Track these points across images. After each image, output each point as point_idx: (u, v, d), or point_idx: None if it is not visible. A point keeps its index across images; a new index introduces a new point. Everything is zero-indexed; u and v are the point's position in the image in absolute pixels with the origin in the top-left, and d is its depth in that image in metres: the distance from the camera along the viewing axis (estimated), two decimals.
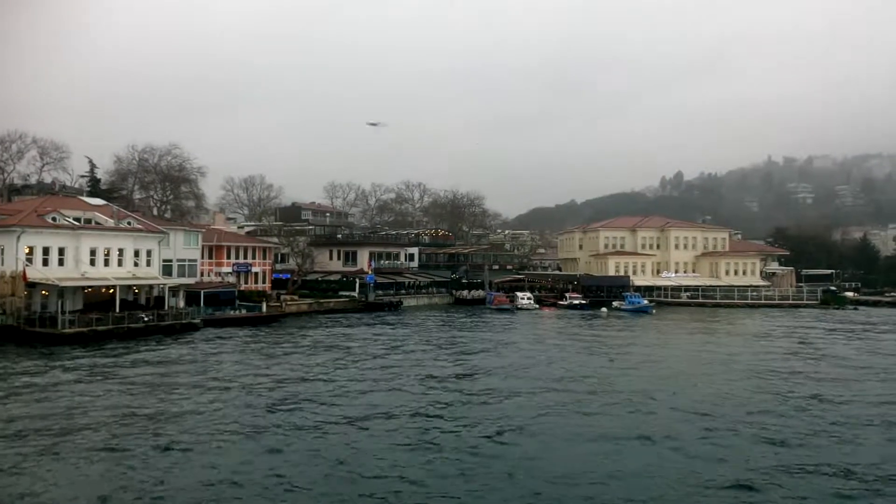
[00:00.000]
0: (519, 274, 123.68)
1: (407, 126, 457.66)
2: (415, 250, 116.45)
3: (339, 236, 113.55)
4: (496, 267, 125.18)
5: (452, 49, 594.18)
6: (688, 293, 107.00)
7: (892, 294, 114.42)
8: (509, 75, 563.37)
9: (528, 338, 61.45)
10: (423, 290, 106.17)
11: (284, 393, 34.71)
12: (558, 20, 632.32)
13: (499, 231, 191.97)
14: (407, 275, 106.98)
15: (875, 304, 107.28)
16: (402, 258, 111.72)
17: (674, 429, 27.61)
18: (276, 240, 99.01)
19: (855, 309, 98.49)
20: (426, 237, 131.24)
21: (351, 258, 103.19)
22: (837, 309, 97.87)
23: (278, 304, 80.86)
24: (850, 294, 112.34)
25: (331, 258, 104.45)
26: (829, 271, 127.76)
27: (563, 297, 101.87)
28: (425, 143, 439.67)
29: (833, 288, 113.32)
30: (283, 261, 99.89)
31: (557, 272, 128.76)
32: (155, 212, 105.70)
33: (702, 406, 31.95)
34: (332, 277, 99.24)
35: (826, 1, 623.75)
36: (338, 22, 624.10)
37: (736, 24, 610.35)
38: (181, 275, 74.67)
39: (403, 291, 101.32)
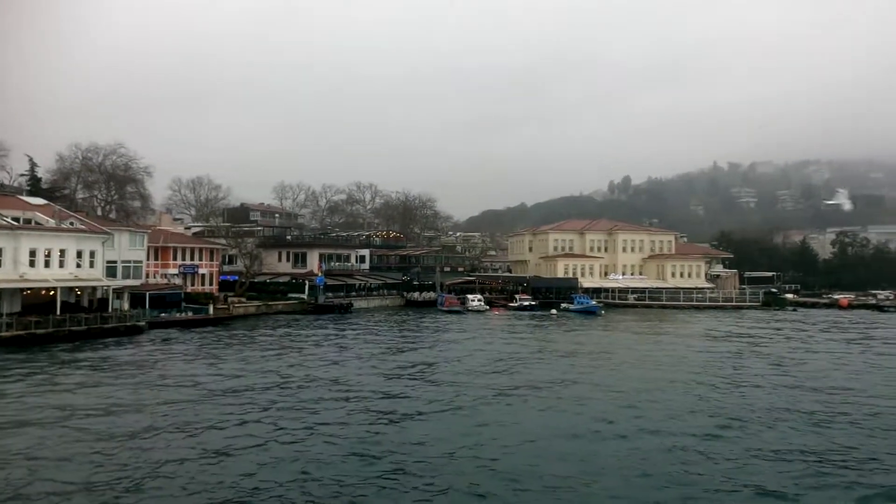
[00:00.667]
0: (470, 276, 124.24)
1: (375, 125, 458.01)
2: (366, 252, 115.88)
3: (289, 238, 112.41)
4: (447, 269, 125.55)
5: (408, 51, 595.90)
6: (635, 295, 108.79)
7: (829, 296, 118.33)
8: (467, 79, 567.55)
9: (480, 340, 61.68)
10: (374, 292, 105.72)
11: (231, 397, 34.21)
12: (522, 28, 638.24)
13: (450, 233, 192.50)
14: (358, 277, 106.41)
15: (813, 305, 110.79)
16: (353, 260, 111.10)
17: (635, 426, 28.16)
18: (223, 241, 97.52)
19: (794, 310, 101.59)
20: (377, 239, 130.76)
21: (300, 260, 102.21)
22: (778, 310, 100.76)
23: (226, 306, 79.70)
24: (790, 296, 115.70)
25: (280, 260, 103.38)
26: (770, 274, 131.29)
27: (513, 299, 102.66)
28: (396, 142, 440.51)
29: (774, 290, 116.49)
30: (230, 262, 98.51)
31: (508, 274, 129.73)
32: (99, 212, 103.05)
33: (658, 405, 32.57)
34: (281, 279, 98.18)
35: (782, 15, 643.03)
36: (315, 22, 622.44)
37: (692, 34, 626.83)
38: (126, 276, 72.97)
39: (354, 293, 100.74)
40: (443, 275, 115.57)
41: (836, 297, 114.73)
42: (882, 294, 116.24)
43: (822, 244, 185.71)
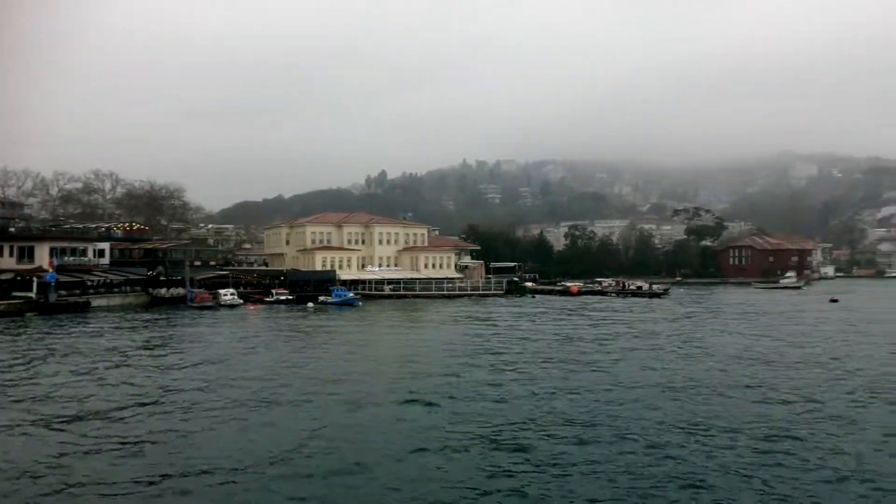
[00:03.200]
0: (223, 270, 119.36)
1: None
2: (105, 245, 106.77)
3: (13, 229, 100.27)
4: (199, 263, 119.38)
5: (165, 29, 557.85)
6: (391, 286, 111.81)
7: (562, 284, 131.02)
8: (218, 65, 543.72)
9: (231, 336, 59.67)
10: (116, 290, 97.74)
11: None
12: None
13: (202, 225, 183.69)
14: (96, 273, 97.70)
15: (549, 292, 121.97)
16: (91, 254, 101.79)
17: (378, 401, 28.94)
18: None
19: (533, 297, 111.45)
20: (119, 231, 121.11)
21: (27, 254, 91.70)
22: (519, 297, 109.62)
23: None
24: (530, 284, 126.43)
25: (2, 255, 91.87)
26: (513, 264, 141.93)
27: (269, 293, 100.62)
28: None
29: (516, 279, 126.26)
30: None
31: (264, 268, 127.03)
32: None
33: (409, 387, 33.82)
34: (4, 276, 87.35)
35: (527, 30, 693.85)
36: None
37: (449, 39, 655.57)
38: None
39: (92, 291, 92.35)
40: (193, 269, 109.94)
41: (567, 284, 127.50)
42: (605, 281, 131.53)
43: (557, 237, 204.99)
